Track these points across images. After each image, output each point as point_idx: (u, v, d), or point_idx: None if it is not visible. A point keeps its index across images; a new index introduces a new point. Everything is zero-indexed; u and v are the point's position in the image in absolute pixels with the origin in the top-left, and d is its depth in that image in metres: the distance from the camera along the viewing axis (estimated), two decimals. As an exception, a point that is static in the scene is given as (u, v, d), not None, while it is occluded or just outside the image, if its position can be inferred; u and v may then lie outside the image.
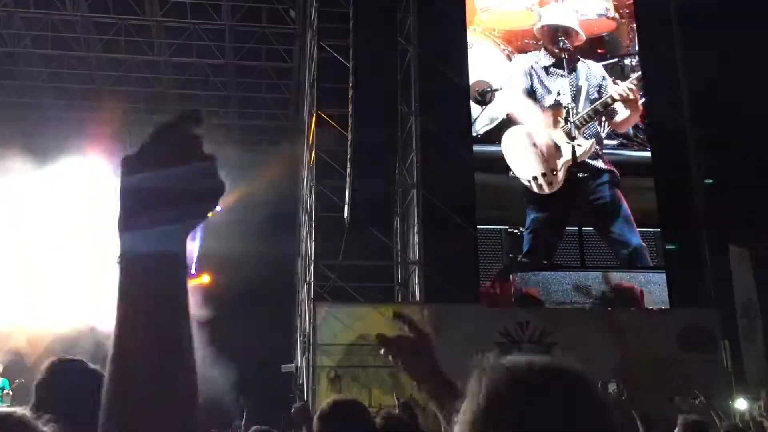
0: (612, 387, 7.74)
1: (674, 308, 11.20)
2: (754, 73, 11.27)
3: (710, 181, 12.02)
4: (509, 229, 11.45)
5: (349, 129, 11.12)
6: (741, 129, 11.47)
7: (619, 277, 11.49)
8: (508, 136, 11.71)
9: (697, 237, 11.77)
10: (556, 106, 11.84)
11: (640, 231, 11.62)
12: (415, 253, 11.63)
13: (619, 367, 9.98)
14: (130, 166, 0.89)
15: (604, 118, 12.01)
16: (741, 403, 10.56)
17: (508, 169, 11.55)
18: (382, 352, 1.77)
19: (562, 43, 11.95)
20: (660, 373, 10.01)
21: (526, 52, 12.19)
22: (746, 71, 11.36)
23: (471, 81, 11.95)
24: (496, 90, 11.92)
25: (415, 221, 11.55)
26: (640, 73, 12.26)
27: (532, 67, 12.02)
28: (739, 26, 11.37)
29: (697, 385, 9.81)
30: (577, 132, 11.68)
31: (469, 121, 11.80)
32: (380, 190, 11.14)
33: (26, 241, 15.24)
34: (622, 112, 12.05)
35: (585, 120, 11.77)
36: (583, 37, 12.24)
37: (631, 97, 11.99)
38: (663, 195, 11.80)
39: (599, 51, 12.53)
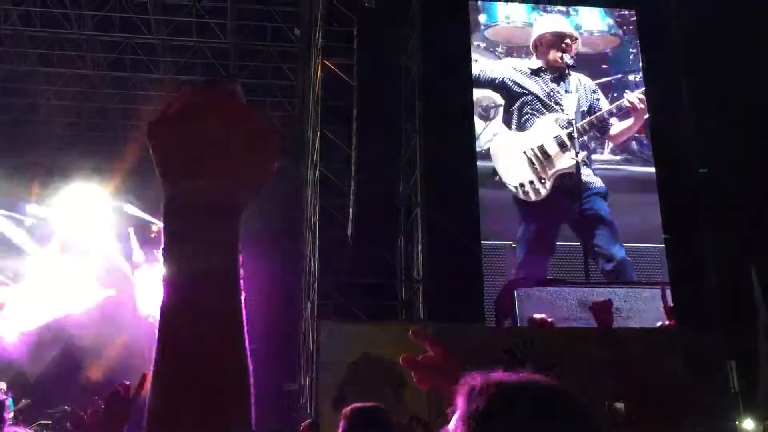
0: (620, 406, 7.65)
1: (679, 327, 11.11)
2: (759, 88, 11.25)
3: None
4: (513, 245, 11.42)
5: (353, 147, 11.14)
6: (746, 145, 11.44)
7: (624, 293, 11.37)
8: (497, 141, 11.76)
9: (701, 254, 11.71)
10: (545, 114, 11.86)
11: (643, 247, 11.59)
12: (418, 270, 11.58)
13: (625, 386, 9.88)
14: (161, 127, 0.80)
15: (595, 132, 12.06)
16: (749, 424, 10.47)
17: (495, 173, 11.55)
18: (414, 377, 1.69)
19: (564, 56, 12.01)
20: (665, 393, 9.90)
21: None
22: (750, 87, 11.34)
23: (475, 97, 11.98)
24: (500, 105, 11.95)
25: (419, 239, 11.51)
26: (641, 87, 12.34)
27: (513, 71, 12.03)
28: (743, 41, 11.37)
29: (701, 405, 9.73)
30: (569, 142, 11.70)
31: (472, 138, 11.81)
32: (383, 208, 11.13)
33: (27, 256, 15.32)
34: (617, 125, 12.08)
35: (582, 130, 11.77)
36: (580, 43, 12.34)
37: (641, 106, 12.03)
38: (667, 211, 11.77)
39: (603, 67, 12.58)
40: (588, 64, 12.45)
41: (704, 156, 12.05)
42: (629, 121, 12.07)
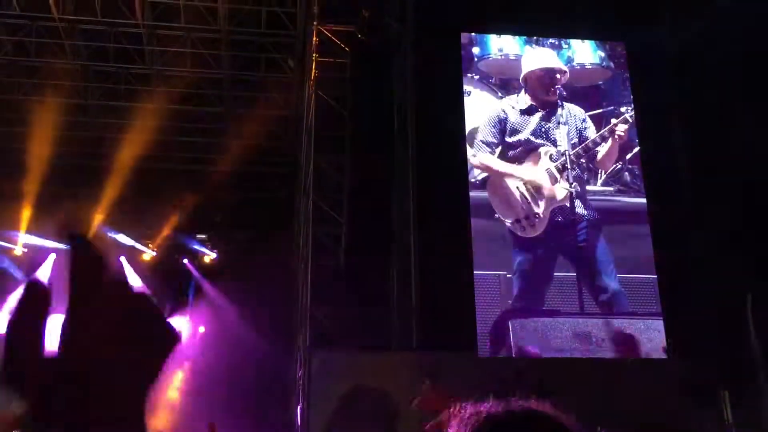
0: None
1: (673, 358, 11.09)
2: (750, 118, 11.34)
3: None
4: (507, 275, 11.41)
5: (346, 176, 11.18)
6: (737, 174, 11.51)
7: (618, 323, 11.38)
8: (492, 179, 11.80)
9: (695, 283, 11.71)
10: (537, 149, 11.88)
11: (637, 278, 11.60)
12: (411, 300, 11.55)
13: (618, 417, 9.84)
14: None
15: (584, 161, 12.07)
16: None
17: (493, 211, 11.59)
18: None
19: (557, 86, 12.04)
20: (660, 425, 9.87)
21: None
22: (741, 117, 11.43)
23: (468, 127, 12.05)
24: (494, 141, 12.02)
25: (412, 268, 11.50)
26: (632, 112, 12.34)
27: (504, 111, 12.05)
28: (733, 71, 11.49)
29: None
30: (559, 175, 11.73)
31: (465, 167, 11.86)
32: (376, 237, 11.14)
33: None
34: (602, 149, 12.12)
35: (571, 162, 11.79)
36: (568, 73, 12.40)
37: (621, 132, 12.06)
38: (659, 242, 11.81)
39: (595, 100, 12.66)
40: (580, 96, 12.53)
41: (696, 186, 12.12)
42: (607, 144, 12.09)
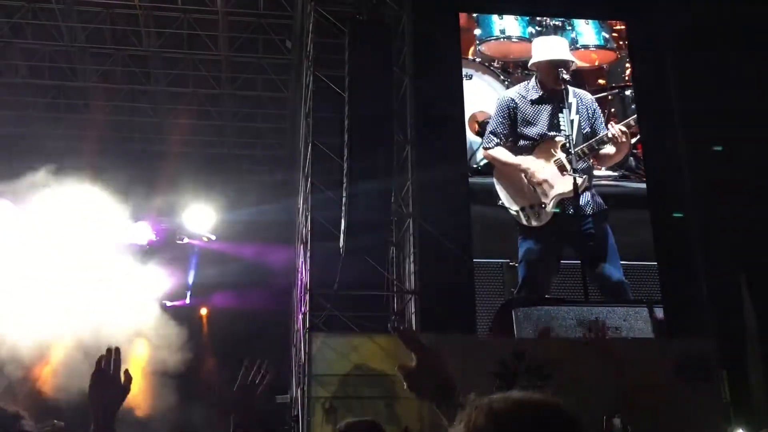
0: (617, 421, 7.66)
1: (672, 338, 11.12)
2: (750, 101, 11.30)
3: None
4: (510, 263, 11.34)
5: (345, 158, 11.12)
6: (736, 159, 11.49)
7: (623, 311, 11.29)
8: (499, 167, 11.67)
9: (694, 267, 11.72)
10: (548, 140, 11.65)
11: (638, 264, 11.54)
12: (410, 282, 11.55)
13: (618, 398, 9.87)
14: None
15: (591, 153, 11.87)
16: (741, 434, 10.46)
17: (497, 198, 11.49)
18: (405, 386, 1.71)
19: (561, 74, 11.60)
20: (658, 404, 9.91)
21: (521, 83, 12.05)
22: (741, 100, 11.39)
23: (471, 112, 11.93)
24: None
25: (411, 251, 11.48)
26: (636, 116, 12.06)
27: (513, 100, 11.80)
28: (736, 56, 11.43)
29: (694, 415, 9.74)
30: (568, 167, 11.49)
31: (464, 152, 11.79)
32: (376, 220, 11.11)
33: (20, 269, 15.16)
34: (606, 148, 11.82)
35: (579, 155, 11.57)
36: (577, 63, 12.12)
37: (623, 139, 11.65)
38: (660, 227, 11.79)
39: (600, 82, 12.51)
40: (584, 78, 12.34)
41: (695, 170, 12.07)
42: (612, 149, 11.77)
